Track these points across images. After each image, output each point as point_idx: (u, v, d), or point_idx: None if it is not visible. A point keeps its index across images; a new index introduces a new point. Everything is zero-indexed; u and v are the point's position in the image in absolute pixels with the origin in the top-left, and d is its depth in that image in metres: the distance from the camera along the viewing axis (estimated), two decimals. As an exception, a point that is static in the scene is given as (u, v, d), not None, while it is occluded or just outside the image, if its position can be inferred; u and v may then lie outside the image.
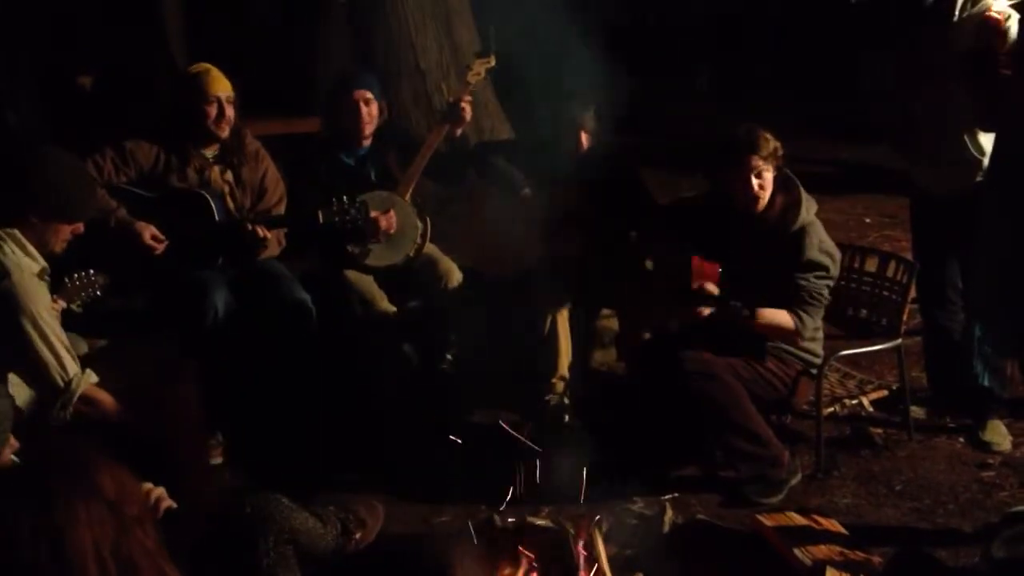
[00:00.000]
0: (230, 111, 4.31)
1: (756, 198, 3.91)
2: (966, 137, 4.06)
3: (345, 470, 4.04)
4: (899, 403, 4.33)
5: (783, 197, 3.95)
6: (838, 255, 4.00)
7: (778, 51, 10.17)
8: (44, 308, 3.25)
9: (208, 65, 4.36)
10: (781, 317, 3.88)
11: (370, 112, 4.55)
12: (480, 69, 4.71)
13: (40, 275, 3.32)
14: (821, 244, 3.91)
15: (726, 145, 3.96)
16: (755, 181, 3.88)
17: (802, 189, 3.97)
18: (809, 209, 3.93)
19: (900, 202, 7.38)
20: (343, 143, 4.61)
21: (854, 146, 8.55)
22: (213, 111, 4.27)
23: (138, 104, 6.25)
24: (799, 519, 3.57)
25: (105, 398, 3.34)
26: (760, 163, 3.87)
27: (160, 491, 2.29)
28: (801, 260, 3.88)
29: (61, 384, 3.24)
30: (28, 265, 3.28)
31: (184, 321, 4.05)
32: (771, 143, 3.89)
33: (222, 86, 4.30)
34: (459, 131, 4.62)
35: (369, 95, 4.55)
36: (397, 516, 3.71)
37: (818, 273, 3.89)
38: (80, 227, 3.44)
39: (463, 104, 4.57)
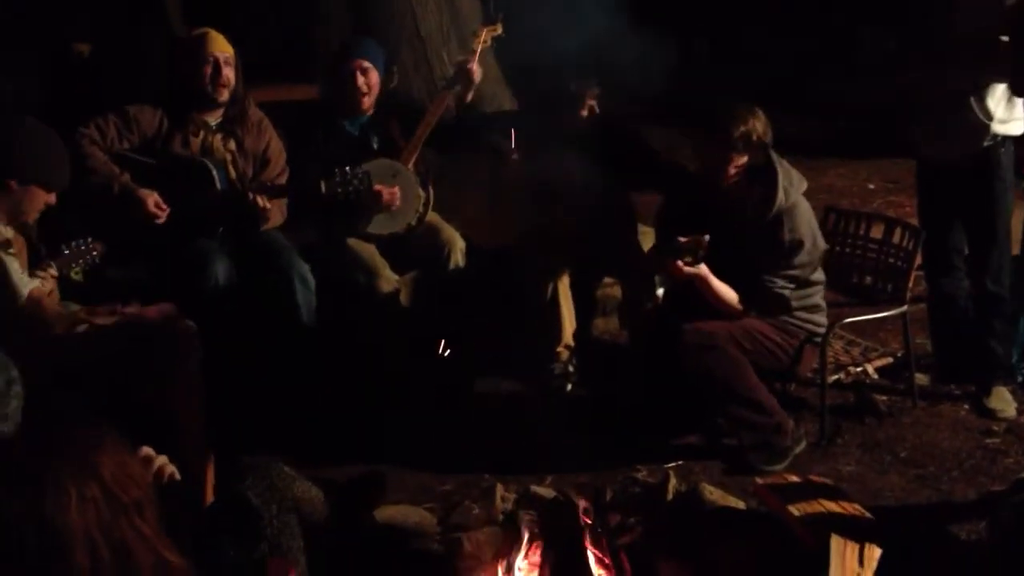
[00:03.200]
0: (228, 72, 4.24)
1: (722, 179, 3.85)
2: (973, 102, 4.01)
3: (348, 440, 4.02)
4: (904, 370, 4.31)
5: (760, 184, 3.83)
6: (819, 244, 3.91)
7: (777, 21, 10.09)
8: None
9: (209, 28, 4.29)
10: (729, 294, 3.85)
11: (367, 82, 4.49)
12: (487, 36, 4.66)
13: (3, 246, 3.28)
14: (791, 233, 3.80)
15: (701, 122, 3.91)
16: (723, 164, 3.81)
17: (782, 172, 3.82)
18: (789, 194, 3.81)
19: (904, 167, 7.34)
20: (344, 111, 4.56)
21: (855, 113, 8.49)
22: (209, 71, 4.21)
23: (135, 72, 6.19)
24: (803, 486, 3.55)
25: (50, 306, 3.34)
26: (728, 146, 3.78)
27: (163, 459, 2.27)
28: (772, 249, 3.81)
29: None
30: None
31: (185, 291, 4.02)
32: (742, 127, 3.75)
33: (220, 46, 4.24)
34: (469, 96, 4.58)
35: (367, 64, 4.49)
36: (400, 485, 3.70)
37: (787, 263, 3.82)
38: (52, 199, 3.40)
39: (470, 66, 4.52)
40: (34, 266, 3.48)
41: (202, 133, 4.26)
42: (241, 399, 3.94)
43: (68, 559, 1.67)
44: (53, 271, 3.47)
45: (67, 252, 3.57)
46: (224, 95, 4.26)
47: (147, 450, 2.26)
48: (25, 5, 6.37)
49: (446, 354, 4.42)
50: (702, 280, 3.79)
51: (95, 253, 3.62)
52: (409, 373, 4.31)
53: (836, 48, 9.19)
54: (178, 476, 2.27)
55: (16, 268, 3.32)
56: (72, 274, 3.57)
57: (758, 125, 3.79)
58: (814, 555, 3.10)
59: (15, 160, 3.28)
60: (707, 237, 3.72)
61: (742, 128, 3.76)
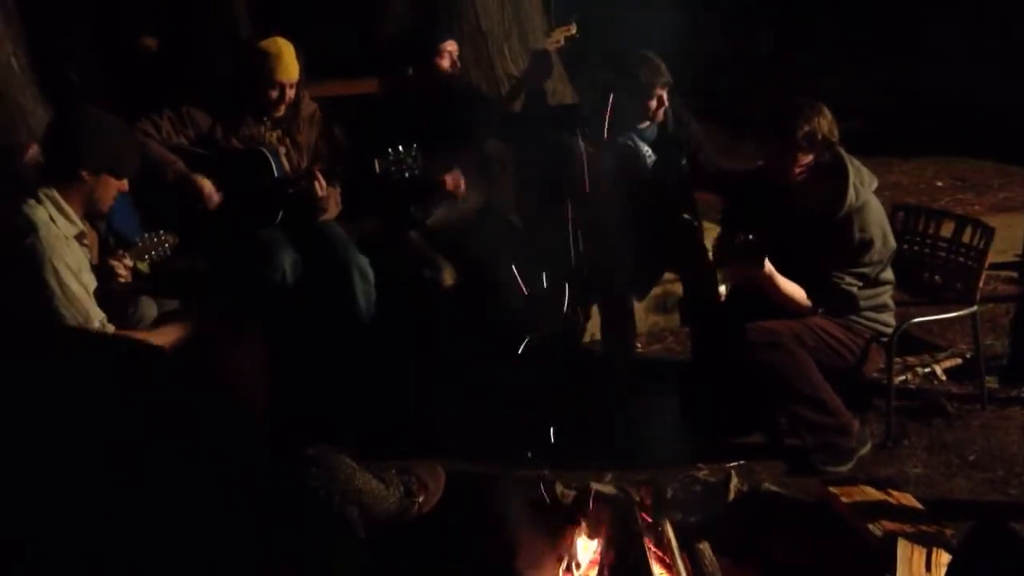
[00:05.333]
0: (291, 94, 4.25)
1: (787, 177, 3.79)
2: None
3: (407, 432, 4.03)
4: (972, 372, 4.22)
5: (829, 183, 3.77)
6: (889, 243, 3.83)
7: (842, 11, 9.97)
8: (68, 265, 3.24)
9: (281, 44, 4.24)
10: (796, 292, 3.79)
11: (454, 65, 4.50)
12: (559, 36, 4.64)
13: (77, 239, 3.32)
14: (862, 232, 3.74)
15: (766, 120, 3.86)
16: (788, 163, 3.76)
17: (852, 171, 3.75)
18: (859, 193, 3.75)
19: (972, 165, 7.24)
20: (417, 96, 4.55)
21: (922, 107, 8.35)
22: (274, 95, 4.23)
23: (196, 65, 6.26)
24: (868, 489, 3.50)
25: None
26: (793, 146, 3.72)
27: None
28: (841, 248, 3.75)
29: None
30: (64, 226, 3.28)
31: (251, 281, 4.05)
32: (807, 126, 3.69)
33: (288, 72, 4.21)
34: (546, 82, 4.57)
35: (452, 46, 4.49)
36: (459, 480, 3.70)
37: (857, 261, 3.76)
38: (125, 185, 3.44)
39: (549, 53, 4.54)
40: (105, 257, 3.52)
41: (256, 132, 4.29)
42: (303, 391, 3.96)
43: None
44: (128, 262, 3.50)
45: (140, 244, 3.60)
46: (282, 111, 4.29)
47: None
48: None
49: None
50: (767, 279, 3.74)
51: (168, 244, 3.65)
52: (471, 366, 4.30)
53: (901, 40, 9.05)
54: None
55: (87, 262, 3.37)
56: (142, 266, 3.61)
57: (823, 123, 3.73)
58: (878, 555, 3.06)
59: (84, 151, 3.32)
60: (767, 235, 3.67)
61: (806, 127, 3.71)
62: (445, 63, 4.47)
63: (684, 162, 4.46)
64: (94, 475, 1.65)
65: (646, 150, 4.41)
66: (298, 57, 4.27)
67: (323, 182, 4.18)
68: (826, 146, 3.76)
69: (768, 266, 3.70)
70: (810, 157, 3.75)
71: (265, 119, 4.31)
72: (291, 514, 2.66)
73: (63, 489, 1.66)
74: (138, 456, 1.69)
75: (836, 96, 3.98)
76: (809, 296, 3.80)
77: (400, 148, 4.18)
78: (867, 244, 3.75)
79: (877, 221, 3.80)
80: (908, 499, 3.44)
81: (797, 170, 3.77)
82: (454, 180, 4.40)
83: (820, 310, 3.82)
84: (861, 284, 3.81)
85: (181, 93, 4.38)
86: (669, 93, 4.38)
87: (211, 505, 1.80)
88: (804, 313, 3.82)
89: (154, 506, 1.71)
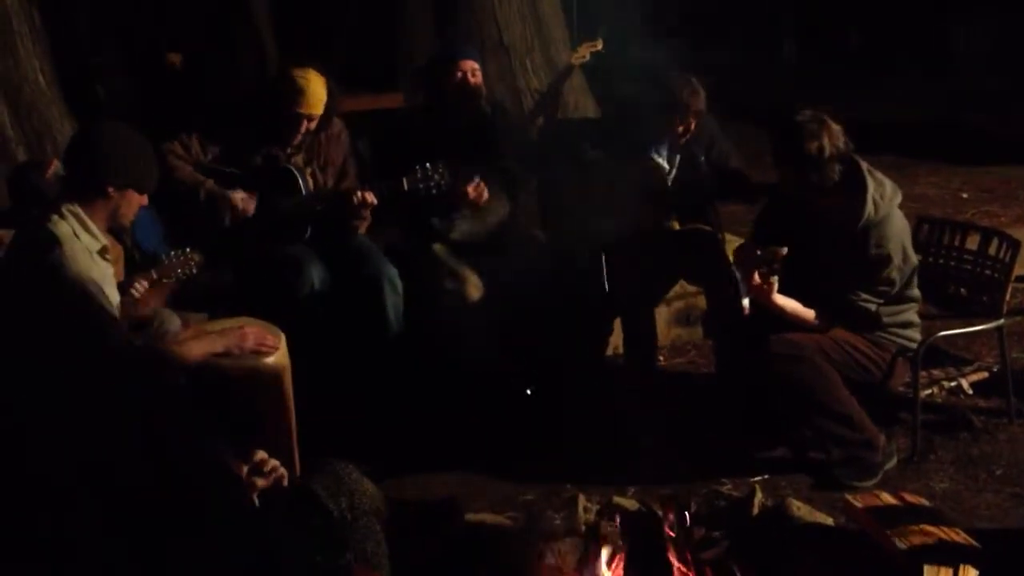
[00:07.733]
0: (310, 126, 4.28)
1: (800, 196, 3.78)
2: None
3: (431, 447, 4.03)
4: (999, 386, 4.18)
5: (846, 195, 3.73)
6: (909, 259, 3.81)
7: (865, 21, 9.95)
8: (92, 279, 3.25)
9: (312, 76, 4.24)
10: (803, 313, 3.76)
11: (476, 83, 4.51)
12: (585, 52, 4.64)
13: (101, 253, 3.34)
14: (878, 248, 3.71)
15: (774, 139, 3.84)
16: (797, 183, 3.75)
17: (872, 184, 3.71)
18: (879, 207, 3.71)
19: (998, 176, 7.19)
20: (443, 114, 4.56)
21: (947, 118, 8.31)
22: (292, 124, 4.25)
23: (219, 81, 6.32)
24: (893, 502, 3.47)
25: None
26: (799, 166, 3.70)
27: (275, 463, 2.32)
28: (856, 262, 3.72)
29: None
30: (87, 241, 3.30)
31: (279, 296, 4.07)
32: (813, 145, 3.65)
33: (311, 106, 4.23)
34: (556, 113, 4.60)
35: (475, 66, 4.50)
36: (481, 494, 3.70)
37: (873, 277, 3.73)
38: (145, 200, 3.46)
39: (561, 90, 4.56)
40: (132, 274, 3.55)
41: (279, 150, 4.32)
42: (329, 405, 3.97)
43: None
44: (145, 283, 3.52)
45: (166, 262, 3.62)
46: (299, 139, 4.31)
47: (262, 454, 2.31)
48: (115, 11, 6.55)
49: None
50: (770, 301, 3.71)
51: (194, 263, 3.67)
52: (495, 380, 4.31)
53: (926, 49, 9.01)
54: (286, 482, 2.31)
55: (111, 277, 3.39)
56: (168, 283, 3.64)
57: (830, 138, 3.69)
58: (903, 571, 3.03)
59: (110, 166, 3.34)
60: (784, 250, 3.64)
61: (813, 146, 3.67)
62: (463, 81, 4.47)
63: (703, 158, 4.43)
64: None
65: (663, 162, 4.40)
66: (330, 90, 4.28)
67: (373, 198, 4.20)
68: (838, 160, 3.72)
69: (774, 287, 3.67)
70: (823, 174, 3.72)
71: (287, 143, 4.33)
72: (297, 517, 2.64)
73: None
74: None
75: (861, 107, 3.96)
76: (824, 312, 3.77)
77: (428, 166, 4.19)
78: (884, 260, 3.72)
79: (897, 236, 3.76)
80: (935, 514, 3.39)
81: (810, 188, 3.75)
82: (476, 190, 4.39)
83: (836, 325, 3.79)
84: (881, 302, 3.78)
85: (206, 112, 4.42)
86: (699, 120, 4.32)
87: None
88: (819, 329, 3.80)
89: None
